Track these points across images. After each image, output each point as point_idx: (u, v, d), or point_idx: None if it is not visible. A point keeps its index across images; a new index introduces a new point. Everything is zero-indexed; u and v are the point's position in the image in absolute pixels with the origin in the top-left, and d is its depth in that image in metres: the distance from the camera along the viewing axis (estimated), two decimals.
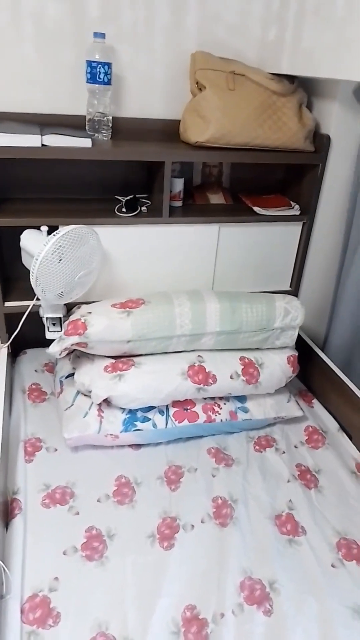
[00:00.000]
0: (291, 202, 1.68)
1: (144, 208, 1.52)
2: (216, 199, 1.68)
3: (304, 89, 1.56)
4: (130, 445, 1.35)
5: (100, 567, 1.04)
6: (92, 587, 1.00)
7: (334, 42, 1.25)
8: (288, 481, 1.30)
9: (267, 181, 1.78)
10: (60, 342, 1.29)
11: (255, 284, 1.72)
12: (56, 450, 1.31)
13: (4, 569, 0.96)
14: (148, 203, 1.56)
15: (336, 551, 1.12)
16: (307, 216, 1.65)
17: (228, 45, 1.55)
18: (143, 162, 1.58)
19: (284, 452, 1.40)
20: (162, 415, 1.36)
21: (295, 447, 1.43)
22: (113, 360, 1.36)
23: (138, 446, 1.36)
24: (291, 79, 1.52)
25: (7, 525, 1.10)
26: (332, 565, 1.09)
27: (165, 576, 1.03)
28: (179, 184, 1.55)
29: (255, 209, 1.61)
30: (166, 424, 1.35)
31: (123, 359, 1.37)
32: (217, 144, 1.45)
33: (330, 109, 1.53)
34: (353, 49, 1.19)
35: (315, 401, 1.62)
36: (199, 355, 1.41)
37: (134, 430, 1.31)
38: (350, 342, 1.69)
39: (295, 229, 1.68)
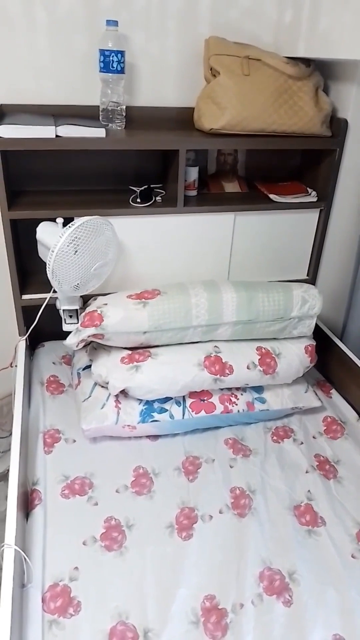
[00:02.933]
0: (308, 188, 1.65)
1: (158, 198, 1.51)
2: (231, 187, 1.65)
3: (321, 73, 1.52)
4: (148, 436, 1.36)
5: (119, 557, 1.05)
6: (111, 577, 1.01)
7: (353, 22, 1.22)
8: (307, 472, 1.29)
9: (283, 168, 1.75)
10: (76, 333, 1.29)
11: (272, 273, 1.69)
12: (75, 441, 1.32)
13: (25, 559, 0.97)
14: (163, 193, 1.54)
15: (356, 542, 1.11)
16: (325, 203, 1.62)
17: (243, 29, 1.52)
18: (157, 151, 1.56)
19: (302, 443, 1.39)
20: (179, 406, 1.36)
21: (314, 437, 1.42)
22: (129, 352, 1.36)
23: (155, 437, 1.36)
24: (307, 62, 1.48)
25: (27, 515, 1.11)
26: (352, 556, 1.08)
27: (184, 566, 1.04)
28: (193, 173, 1.53)
29: (271, 196, 1.58)
30: (183, 415, 1.35)
31: (139, 350, 1.37)
32: (232, 130, 1.43)
33: (349, 92, 1.49)
34: None
35: (333, 391, 1.60)
36: (215, 346, 1.40)
37: (151, 421, 1.31)
38: None
39: (312, 216, 1.65)
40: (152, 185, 1.54)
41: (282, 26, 1.52)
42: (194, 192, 1.56)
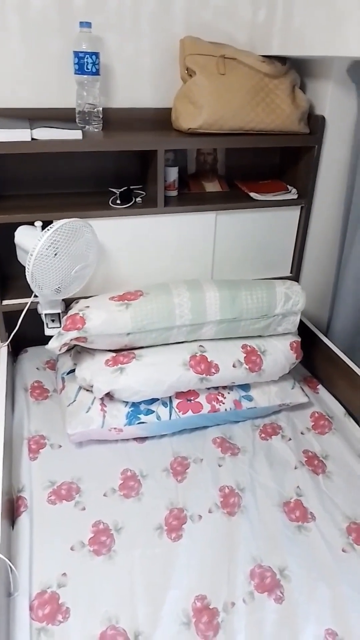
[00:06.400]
0: (288, 186, 1.66)
1: (138, 199, 1.50)
2: (212, 186, 1.66)
3: (297, 70, 1.53)
4: (135, 439, 1.34)
5: (108, 562, 1.03)
6: (100, 581, 0.99)
7: (325, 19, 1.22)
8: (295, 468, 1.28)
9: (263, 166, 1.76)
10: (59, 337, 1.28)
11: (255, 271, 1.70)
12: (60, 446, 1.30)
13: (10, 568, 0.95)
14: (143, 194, 1.54)
15: (346, 536, 1.11)
16: (305, 200, 1.63)
17: (217, 28, 1.52)
18: (136, 152, 1.56)
19: (290, 439, 1.38)
20: (166, 407, 1.35)
21: (302, 433, 1.42)
22: (114, 354, 1.35)
23: (143, 439, 1.35)
24: (283, 60, 1.49)
25: (13, 523, 1.09)
26: (343, 550, 1.08)
27: (174, 567, 1.02)
28: (173, 173, 1.53)
29: (252, 194, 1.59)
30: (170, 416, 1.34)
31: (124, 352, 1.36)
32: (210, 129, 1.43)
33: (325, 90, 1.50)
34: (345, 23, 1.16)
35: (320, 387, 1.60)
36: (200, 345, 1.40)
37: (138, 423, 1.30)
38: (354, 325, 1.66)
39: (294, 213, 1.66)
40: (131, 187, 1.53)
41: (257, 25, 1.53)
42: (174, 192, 1.56)
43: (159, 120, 1.54)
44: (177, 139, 1.44)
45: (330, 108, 1.51)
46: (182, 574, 1.01)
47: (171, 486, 1.21)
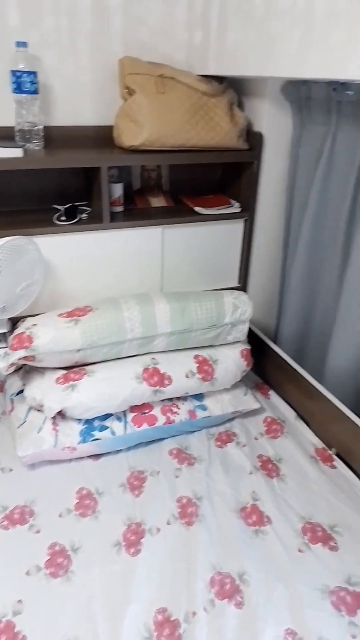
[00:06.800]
0: (231, 200, 1.71)
1: (84, 215, 1.51)
2: (157, 202, 1.68)
3: (234, 89, 1.60)
4: (90, 456, 1.33)
5: (66, 583, 1.01)
6: (58, 604, 0.97)
7: (257, 41, 1.29)
8: (250, 473, 1.31)
9: (206, 181, 1.81)
10: (5, 357, 1.25)
11: (204, 283, 1.73)
12: (12, 470, 1.27)
13: None
14: (88, 210, 1.54)
15: (302, 536, 1.14)
16: (248, 213, 1.68)
17: (155, 49, 1.57)
18: (80, 169, 1.56)
19: (244, 445, 1.41)
20: (120, 422, 1.34)
21: (256, 438, 1.45)
22: (64, 371, 1.33)
23: (98, 456, 1.33)
24: (220, 79, 1.55)
25: None
26: (299, 550, 1.10)
27: (134, 582, 1.01)
28: (118, 189, 1.55)
29: (197, 209, 1.63)
30: (125, 430, 1.33)
31: (75, 368, 1.34)
32: (152, 147, 1.46)
33: (261, 107, 1.57)
34: (275, 46, 1.22)
35: (271, 392, 1.64)
36: (152, 358, 1.40)
37: (92, 440, 1.29)
38: (300, 331, 1.73)
39: (238, 226, 1.71)
40: (76, 203, 1.53)
41: (193, 46, 1.58)
42: (120, 208, 1.58)
43: (102, 137, 1.56)
44: (120, 156, 1.46)
45: (267, 125, 1.58)
46: (142, 588, 1.00)
47: (128, 501, 1.20)
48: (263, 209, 1.70)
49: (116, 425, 1.33)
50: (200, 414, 1.44)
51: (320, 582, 1.03)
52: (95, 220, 1.48)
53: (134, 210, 1.62)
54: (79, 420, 1.31)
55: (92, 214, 1.53)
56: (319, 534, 1.14)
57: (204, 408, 1.45)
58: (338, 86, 1.29)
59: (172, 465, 1.32)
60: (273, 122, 1.58)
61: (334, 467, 1.33)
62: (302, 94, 1.44)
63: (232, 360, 1.48)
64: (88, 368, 1.34)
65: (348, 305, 1.41)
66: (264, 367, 1.70)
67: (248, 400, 1.52)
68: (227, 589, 1.01)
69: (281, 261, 1.78)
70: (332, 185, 1.45)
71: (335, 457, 1.36)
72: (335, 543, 1.11)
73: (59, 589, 0.99)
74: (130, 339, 1.36)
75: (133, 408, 1.37)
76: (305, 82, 1.41)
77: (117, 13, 1.48)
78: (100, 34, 1.48)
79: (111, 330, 1.33)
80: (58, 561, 1.04)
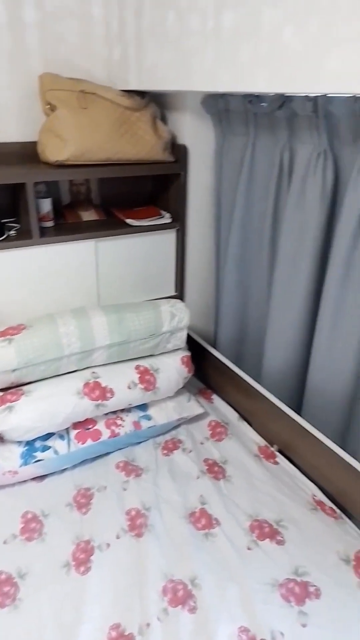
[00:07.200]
0: (162, 211, 1.74)
1: (12, 232, 1.48)
2: (88, 215, 1.68)
3: (157, 103, 1.63)
4: (34, 478, 1.29)
5: (14, 612, 0.97)
6: (6, 635, 0.93)
7: (173, 57, 1.33)
8: (198, 478, 1.32)
9: (136, 194, 1.83)
10: None
11: (142, 294, 1.74)
12: None
13: None
14: (17, 226, 1.51)
15: (250, 534, 1.16)
16: (179, 223, 1.72)
17: (76, 65, 1.57)
18: (6, 185, 1.53)
19: (191, 451, 1.42)
20: (63, 440, 1.32)
21: (201, 443, 1.47)
22: (0, 393, 1.29)
23: (42, 477, 1.30)
24: (142, 94, 1.58)
25: None
26: (248, 548, 1.13)
27: (86, 601, 1.00)
28: (46, 205, 1.53)
29: (128, 221, 1.64)
30: (69, 448, 1.31)
31: (11, 389, 1.31)
32: (78, 161, 1.46)
33: (183, 120, 1.62)
34: (190, 62, 1.26)
35: (214, 396, 1.68)
36: (93, 372, 1.39)
37: (35, 462, 1.26)
38: (237, 335, 1.78)
39: (170, 236, 1.74)
40: (3, 220, 1.50)
41: (113, 62, 1.61)
42: (50, 223, 1.56)
43: (27, 153, 1.54)
44: (46, 171, 1.45)
45: (190, 137, 1.62)
46: (94, 607, 0.99)
47: (76, 520, 1.18)
48: (193, 219, 1.74)
49: (59, 444, 1.31)
50: (145, 424, 1.44)
51: (269, 577, 1.05)
52: (24, 237, 1.46)
53: (65, 225, 1.61)
54: (20, 442, 1.27)
55: (20, 230, 1.50)
56: (266, 530, 1.17)
57: (148, 418, 1.46)
58: (253, 99, 1.36)
59: (120, 479, 1.31)
60: (196, 134, 1.63)
61: (276, 463, 1.38)
62: (220, 107, 1.50)
63: (173, 368, 1.50)
64: (25, 388, 1.31)
65: (278, 307, 1.47)
66: (206, 372, 1.73)
67: (192, 406, 1.54)
68: (180, 595, 1.01)
69: (215, 268, 1.83)
70: (255, 193, 1.52)
71: (277, 453, 1.41)
72: (281, 537, 1.15)
73: (7, 620, 0.96)
74: (68, 354, 1.34)
75: (76, 424, 1.35)
76: (222, 96, 1.47)
77: (35, 30, 1.47)
78: (19, 50, 1.47)
79: (47, 347, 1.31)
80: (4, 590, 1.01)
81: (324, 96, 1.14)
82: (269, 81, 1.01)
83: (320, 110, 1.16)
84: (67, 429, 1.34)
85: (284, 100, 1.25)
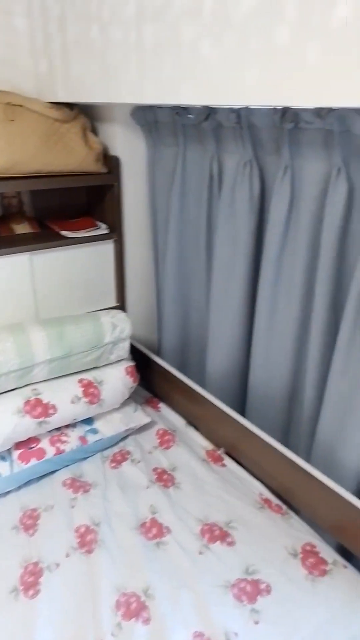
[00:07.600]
0: (98, 222, 1.74)
1: None
2: (21, 228, 1.65)
3: (87, 115, 1.63)
4: None
5: None
6: None
7: (98, 69, 1.34)
8: (147, 487, 1.32)
9: (71, 205, 1.81)
10: None
11: (83, 306, 1.72)
12: None
13: None
14: None
15: (201, 538, 1.17)
16: (116, 233, 1.72)
17: (1, 77, 1.54)
18: None
19: (139, 461, 1.42)
20: (5, 461, 1.28)
21: (150, 452, 1.47)
22: None
23: None
24: (71, 106, 1.57)
25: None
26: (200, 553, 1.13)
27: (37, 625, 0.97)
28: None
29: (63, 233, 1.62)
30: (12, 469, 1.27)
31: None
32: (8, 173, 1.43)
33: (114, 132, 1.62)
34: (115, 74, 1.27)
35: (161, 404, 1.68)
36: (33, 389, 1.36)
37: None
38: (180, 342, 1.79)
39: (107, 247, 1.73)
40: None
41: (40, 74, 1.59)
42: None
43: None
44: None
45: (121, 148, 1.63)
46: (46, 629, 0.96)
47: (23, 542, 1.14)
48: (130, 229, 1.75)
49: (1, 466, 1.26)
50: (91, 438, 1.42)
51: (221, 579, 1.07)
52: None
53: None
54: None
55: None
56: (216, 533, 1.18)
57: (95, 432, 1.44)
58: (180, 110, 1.39)
59: (67, 496, 1.28)
60: (128, 145, 1.64)
61: (224, 465, 1.40)
62: (149, 119, 1.52)
63: (117, 379, 1.49)
64: None
65: (217, 312, 1.50)
66: (151, 380, 1.73)
67: (138, 415, 1.54)
68: (134, 607, 1.01)
69: (154, 277, 1.84)
70: (188, 202, 1.55)
71: (224, 455, 1.43)
72: (231, 538, 1.16)
73: None
74: (6, 372, 1.30)
75: (18, 444, 1.31)
76: (151, 107, 1.49)
77: None
78: None
79: None
80: None
81: (246, 108, 1.19)
82: (192, 93, 1.04)
83: (243, 122, 1.21)
84: (8, 450, 1.30)
85: (209, 112, 1.29)
